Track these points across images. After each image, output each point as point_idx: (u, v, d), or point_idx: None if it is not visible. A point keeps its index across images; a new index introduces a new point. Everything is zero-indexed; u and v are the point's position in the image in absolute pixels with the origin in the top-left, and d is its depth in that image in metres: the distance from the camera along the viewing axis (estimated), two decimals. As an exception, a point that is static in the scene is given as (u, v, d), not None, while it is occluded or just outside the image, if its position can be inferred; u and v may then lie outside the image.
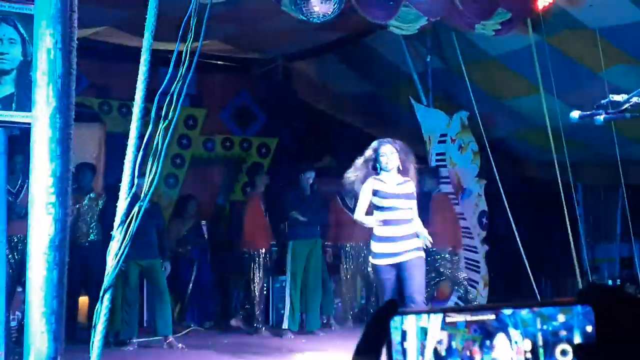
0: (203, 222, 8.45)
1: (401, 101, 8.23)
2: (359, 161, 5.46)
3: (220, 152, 9.75)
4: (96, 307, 2.21)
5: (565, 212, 6.81)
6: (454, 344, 0.83)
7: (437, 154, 7.99)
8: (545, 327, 0.82)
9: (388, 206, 5.27)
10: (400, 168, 5.38)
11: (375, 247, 5.31)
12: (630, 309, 0.83)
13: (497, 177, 7.36)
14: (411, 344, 0.83)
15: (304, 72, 9.61)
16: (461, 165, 7.91)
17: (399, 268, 5.22)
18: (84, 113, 8.30)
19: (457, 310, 0.86)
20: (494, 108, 8.11)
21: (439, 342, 0.83)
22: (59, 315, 1.97)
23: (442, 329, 0.83)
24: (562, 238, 7.13)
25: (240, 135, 9.90)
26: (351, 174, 5.48)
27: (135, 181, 2.25)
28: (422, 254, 5.36)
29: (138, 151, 2.29)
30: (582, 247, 7.65)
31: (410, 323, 0.84)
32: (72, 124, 2.13)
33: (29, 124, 2.11)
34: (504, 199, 7.18)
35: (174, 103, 2.21)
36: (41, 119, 2.05)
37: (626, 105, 3.26)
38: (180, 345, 6.79)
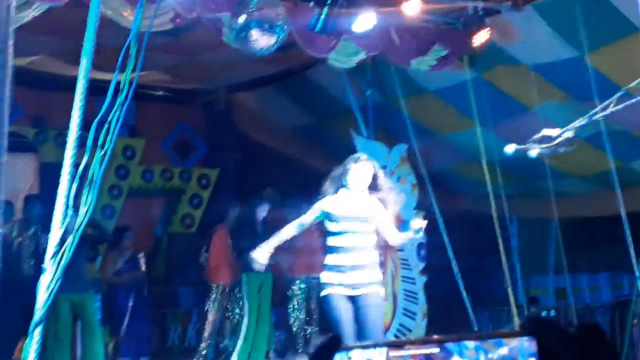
0: (140, 255, 8.28)
1: (341, 133, 8.30)
2: (327, 180, 4.96)
3: (159, 182, 9.62)
4: (25, 343, 2.13)
5: (500, 245, 6.95)
6: None
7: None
8: (490, 357, 0.83)
9: (338, 231, 4.72)
10: (366, 191, 4.82)
11: (324, 276, 4.77)
12: (570, 340, 0.85)
13: (436, 209, 7.48)
14: None
15: (245, 104, 9.61)
16: (398, 198, 7.99)
17: (353, 303, 4.66)
18: (17, 143, 8.10)
19: (402, 343, 0.86)
20: (432, 141, 8.25)
21: None
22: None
23: None
24: (498, 270, 7.26)
25: (180, 166, 9.80)
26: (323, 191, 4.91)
27: (69, 212, 2.19)
28: (380, 290, 4.78)
29: (72, 181, 2.24)
30: (517, 278, 7.81)
31: (356, 358, 0.84)
32: (3, 154, 2.06)
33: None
34: (443, 231, 7.29)
35: (111, 132, 2.17)
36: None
37: (558, 140, 3.36)
38: None
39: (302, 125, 9.34)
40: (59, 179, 7.58)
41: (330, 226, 4.77)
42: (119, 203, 9.18)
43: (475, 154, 7.32)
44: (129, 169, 9.25)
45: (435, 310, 7.97)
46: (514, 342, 0.87)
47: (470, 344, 0.87)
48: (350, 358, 0.87)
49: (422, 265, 7.89)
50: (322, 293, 4.80)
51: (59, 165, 7.74)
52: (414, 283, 7.90)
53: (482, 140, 7.23)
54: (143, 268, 8.14)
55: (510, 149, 3.53)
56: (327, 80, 8.04)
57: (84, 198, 2.19)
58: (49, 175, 8.25)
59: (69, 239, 2.14)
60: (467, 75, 7.01)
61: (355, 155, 5.00)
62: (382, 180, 4.93)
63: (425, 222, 4.77)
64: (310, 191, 8.51)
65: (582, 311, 8.41)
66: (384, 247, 7.92)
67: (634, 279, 6.50)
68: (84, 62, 2.25)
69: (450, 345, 0.87)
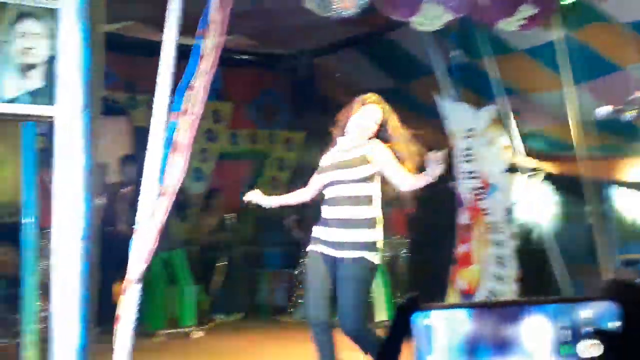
0: (229, 216, 8.52)
1: (425, 96, 8.19)
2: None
3: (246, 146, 9.81)
4: (120, 299, 2.25)
5: (593, 208, 6.75)
6: (482, 338, 0.84)
7: (464, 149, 7.94)
8: (573, 321, 0.83)
9: (326, 183, 4.18)
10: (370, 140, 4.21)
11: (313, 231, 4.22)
12: None
13: (528, 172, 7.32)
14: (439, 340, 0.83)
15: (328, 67, 9.61)
16: (489, 160, 7.85)
17: (334, 268, 3.98)
18: (111, 107, 8.42)
19: (485, 305, 0.87)
20: (522, 102, 8.04)
21: (467, 336, 0.84)
22: (88, 303, 2.01)
23: (471, 324, 0.83)
24: (590, 234, 7.06)
25: (266, 130, 9.95)
26: None
27: (159, 175, 2.28)
28: (365, 255, 3.89)
29: (163, 145, 2.32)
30: (614, 244, 7.57)
31: (436, 318, 0.84)
32: (97, 117, 2.17)
33: (54, 117, 2.14)
34: (533, 195, 7.14)
35: (197, 97, 2.23)
36: (66, 113, 2.09)
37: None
38: (200, 334, 6.85)
39: (385, 88, 9.26)
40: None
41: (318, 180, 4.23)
42: (207, 166, 9.44)
43: (566, 114, 7.09)
44: (217, 132, 9.48)
45: (526, 275, 7.84)
46: (598, 306, 0.87)
47: (554, 308, 0.88)
48: (429, 319, 0.88)
49: (513, 228, 7.75)
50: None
51: (149, 129, 8.01)
52: (503, 247, 7.78)
53: (574, 100, 7.00)
54: (231, 230, 8.39)
55: (602, 111, 3.40)
56: (411, 41, 7.93)
57: (174, 162, 2.27)
58: (141, 139, 8.61)
59: (160, 202, 2.22)
60: (558, 33, 6.77)
61: (363, 96, 4.35)
62: (396, 128, 4.37)
63: (442, 154, 3.95)
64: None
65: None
66: (472, 210, 7.85)
67: None
68: (171, 25, 2.31)
69: (532, 310, 0.88)
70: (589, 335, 0.85)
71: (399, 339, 0.87)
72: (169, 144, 2.31)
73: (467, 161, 7.92)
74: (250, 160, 9.71)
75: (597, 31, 6.82)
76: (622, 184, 9.25)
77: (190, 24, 2.89)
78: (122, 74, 8.73)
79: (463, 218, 7.99)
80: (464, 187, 7.60)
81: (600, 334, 0.84)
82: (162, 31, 7.02)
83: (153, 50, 7.65)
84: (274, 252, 9.14)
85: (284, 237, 8.66)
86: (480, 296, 7.85)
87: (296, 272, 8.16)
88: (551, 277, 7.26)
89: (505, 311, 0.87)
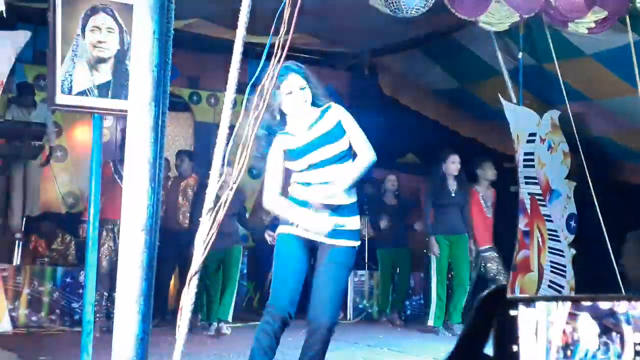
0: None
1: (489, 98, 8.06)
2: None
3: (305, 144, 9.85)
4: (183, 291, 2.28)
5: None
6: (576, 336, 0.84)
7: (526, 154, 7.78)
8: None
9: (303, 168, 3.61)
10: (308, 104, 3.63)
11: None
12: None
13: (589, 180, 7.13)
14: (540, 334, 0.82)
15: (390, 67, 9.56)
16: (550, 166, 7.68)
17: (313, 252, 3.63)
18: (174, 103, 8.58)
19: (575, 299, 0.85)
20: (587, 108, 7.85)
21: (564, 334, 0.83)
22: (147, 297, 2.04)
23: (567, 322, 0.84)
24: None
25: (325, 129, 9.97)
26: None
27: (225, 170, 2.30)
28: (347, 244, 3.54)
29: (227, 141, 2.34)
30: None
31: (539, 311, 0.83)
32: (165, 112, 2.20)
33: (125, 111, 2.18)
34: (595, 202, 6.94)
35: (264, 95, 2.24)
36: (137, 107, 2.12)
37: None
38: (225, 330, 6.90)
39: (448, 89, 9.18)
40: (211, 137, 7.96)
41: (290, 166, 3.72)
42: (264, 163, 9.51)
43: (635, 121, 6.89)
44: (275, 129, 9.54)
45: (583, 285, 7.65)
46: None
47: (636, 312, 0.87)
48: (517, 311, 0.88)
49: (571, 237, 7.58)
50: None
51: (211, 124, 8.08)
52: (562, 255, 7.62)
53: (643, 107, 6.79)
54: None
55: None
56: (475, 42, 7.82)
57: (237, 157, 2.29)
58: (203, 134, 8.73)
59: (224, 196, 2.24)
60: (629, 38, 6.57)
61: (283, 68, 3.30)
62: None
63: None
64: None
65: None
66: (530, 217, 7.70)
67: None
68: (241, 24, 2.33)
69: (619, 313, 0.88)
70: None
71: (483, 329, 0.85)
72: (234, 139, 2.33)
73: (528, 166, 7.77)
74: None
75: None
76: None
77: (255, 23, 2.91)
78: (185, 70, 8.88)
79: (523, 224, 7.85)
80: (525, 193, 7.46)
81: None
82: (225, 28, 7.09)
83: (216, 47, 7.86)
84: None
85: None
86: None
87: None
88: (611, 288, 7.03)
89: (591, 306, 0.86)
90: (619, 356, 0.86)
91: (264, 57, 2.30)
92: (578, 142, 7.24)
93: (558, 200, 7.55)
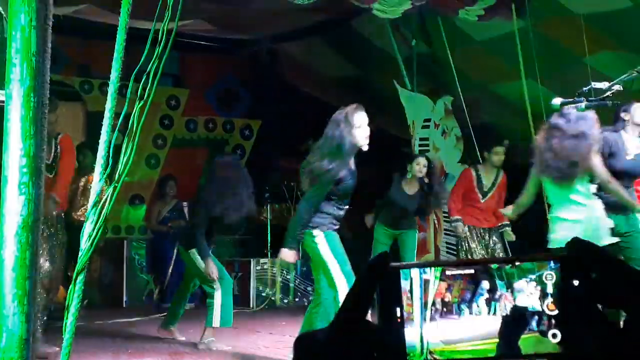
0: (184, 204, 8.40)
1: (386, 85, 8.20)
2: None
3: (203, 133, 9.70)
4: (69, 289, 2.18)
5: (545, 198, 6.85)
6: (449, 294, 0.93)
7: (421, 139, 7.99)
8: (527, 279, 0.92)
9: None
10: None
11: None
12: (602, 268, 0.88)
13: (481, 162, 7.38)
14: (415, 295, 0.92)
15: (290, 55, 9.55)
16: (444, 151, 7.92)
17: None
18: (65, 92, 8.22)
19: (451, 264, 0.96)
20: (479, 93, 8.11)
21: (440, 292, 0.93)
22: (31, 296, 1.95)
23: (442, 280, 0.93)
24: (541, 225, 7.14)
25: (224, 117, 9.85)
26: None
27: (110, 162, 2.21)
28: None
29: (112, 131, 2.25)
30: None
31: (413, 275, 0.93)
32: (46, 102, 2.09)
33: (3, 102, 2.07)
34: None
35: (149, 83, 2.17)
36: (15, 97, 2.01)
37: (608, 93, 3.26)
38: None
39: (347, 76, 9.27)
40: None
41: None
42: (163, 153, 9.30)
43: (523, 106, 7.18)
44: (173, 118, 9.34)
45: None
46: (546, 266, 0.95)
47: (508, 268, 0.94)
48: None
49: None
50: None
51: (103, 114, 7.82)
52: (455, 236, 7.87)
53: (530, 92, 7.08)
54: (187, 217, 8.26)
55: (557, 101, 3.43)
56: (372, 30, 7.93)
57: (123, 148, 2.21)
58: (96, 124, 8.45)
59: (110, 190, 2.16)
60: (515, 25, 6.83)
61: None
62: None
63: None
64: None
65: None
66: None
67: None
68: (124, 9, 2.24)
69: (492, 270, 0.94)
70: (550, 294, 0.92)
71: (368, 292, 0.90)
72: (119, 130, 2.25)
73: (424, 151, 7.98)
74: (206, 148, 9.61)
75: (554, 23, 6.90)
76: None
77: (147, 6, 2.82)
78: (75, 57, 8.53)
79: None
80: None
81: (561, 292, 0.90)
82: (115, 14, 6.86)
83: (106, 33, 7.59)
84: (228, 240, 9.05)
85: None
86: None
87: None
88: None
89: (473, 269, 0.93)
90: (493, 308, 0.92)
91: (148, 44, 2.22)
92: (470, 127, 7.49)
93: (452, 183, 7.79)
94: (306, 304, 8.30)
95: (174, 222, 8.09)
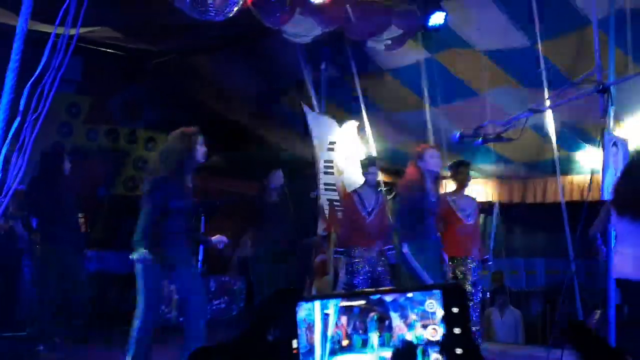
0: (80, 215, 8.10)
1: (293, 105, 8.26)
2: None
3: (104, 143, 9.42)
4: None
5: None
6: (350, 327, 0.98)
7: (325, 161, 8.06)
8: (416, 310, 0.98)
9: None
10: None
11: None
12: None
13: (383, 188, 7.54)
14: (317, 328, 0.96)
15: (197, 68, 9.45)
16: (347, 174, 8.02)
17: None
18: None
19: (348, 295, 1.02)
20: (383, 119, 8.28)
21: (339, 325, 0.98)
22: None
23: (342, 314, 0.97)
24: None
25: (128, 127, 9.61)
26: None
27: (-1, 175, 2.11)
28: None
29: (3, 144, 2.15)
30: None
31: (316, 309, 0.98)
32: None
33: None
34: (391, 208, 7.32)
35: (45, 93, 2.08)
36: None
37: (504, 130, 3.41)
38: None
39: (255, 94, 9.26)
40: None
41: None
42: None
43: (423, 133, 7.39)
44: (72, 126, 9.02)
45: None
46: (434, 296, 1.00)
47: (402, 300, 1.01)
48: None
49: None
50: None
51: None
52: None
53: (431, 120, 7.31)
54: (83, 229, 7.97)
55: (456, 135, 3.55)
56: (283, 50, 7.96)
57: (13, 161, 2.11)
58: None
59: (-4, 203, 2.06)
60: (421, 55, 7.05)
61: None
62: None
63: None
64: (255, 160, 8.51)
65: (517, 295, 8.64)
66: (328, 222, 7.98)
67: (568, 264, 6.64)
68: (22, 17, 2.15)
69: (387, 302, 1.01)
70: (429, 319, 0.99)
71: (266, 322, 0.94)
72: (11, 142, 2.14)
73: (328, 173, 8.05)
74: (107, 158, 9.33)
75: (457, 56, 7.17)
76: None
77: (45, 10, 2.72)
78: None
79: (321, 229, 8.10)
80: (324, 199, 7.72)
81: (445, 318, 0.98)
82: (11, 12, 6.56)
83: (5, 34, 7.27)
84: (126, 254, 8.77)
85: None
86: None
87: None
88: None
89: (368, 300, 1.00)
90: (387, 339, 0.99)
91: (47, 50, 2.13)
92: (374, 152, 7.63)
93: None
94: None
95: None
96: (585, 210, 4.30)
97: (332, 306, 0.98)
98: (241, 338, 0.93)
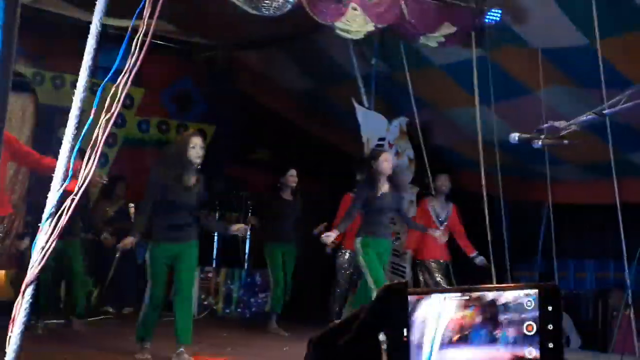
0: (131, 205, 8.24)
1: (343, 101, 8.23)
2: None
3: (155, 134, 9.55)
4: (16, 301, 2.10)
5: (488, 224, 6.97)
6: (464, 325, 1.02)
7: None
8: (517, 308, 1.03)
9: None
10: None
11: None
12: None
13: (432, 186, 7.49)
14: (430, 325, 1.01)
15: (248, 63, 9.51)
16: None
17: None
18: (15, 81, 7.97)
19: (462, 290, 1.05)
20: (433, 116, 8.21)
21: (453, 323, 1.02)
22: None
23: (456, 311, 1.02)
24: (486, 249, 7.26)
25: (178, 120, 9.72)
26: None
27: (69, 173, 2.15)
28: None
29: (75, 142, 2.19)
30: (506, 260, 7.83)
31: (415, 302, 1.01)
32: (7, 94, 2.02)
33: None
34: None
35: (118, 95, 2.12)
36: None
37: (564, 132, 3.33)
38: (82, 327, 6.59)
39: (304, 89, 9.27)
40: (52, 120, 7.39)
41: None
42: (112, 151, 9.12)
43: (474, 132, 7.29)
44: (125, 117, 9.17)
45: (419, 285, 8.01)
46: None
47: (512, 304, 1.07)
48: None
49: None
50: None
51: (54, 107, 7.52)
52: (398, 255, 7.93)
53: (482, 119, 7.21)
54: (132, 219, 8.11)
55: (514, 137, 3.48)
56: (333, 46, 7.95)
57: (85, 160, 2.14)
58: (44, 117, 8.21)
59: (67, 202, 2.09)
60: (474, 53, 6.95)
61: None
62: None
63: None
64: (303, 155, 8.52)
65: (565, 297, 8.49)
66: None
67: (621, 267, 6.52)
68: (97, 15, 2.17)
69: (499, 304, 1.07)
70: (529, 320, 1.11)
71: (381, 317, 1.01)
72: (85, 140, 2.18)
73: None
74: (158, 150, 9.45)
75: (511, 54, 7.05)
76: (519, 202, 9.61)
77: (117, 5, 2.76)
78: (29, 48, 8.30)
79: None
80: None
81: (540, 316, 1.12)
82: (74, 6, 6.66)
83: (65, 26, 7.40)
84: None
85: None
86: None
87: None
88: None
89: (481, 299, 1.05)
90: (498, 339, 1.04)
91: (120, 54, 2.15)
92: (423, 150, 7.57)
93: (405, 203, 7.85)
94: (248, 315, 8.26)
95: (120, 223, 7.94)
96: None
97: (444, 300, 1.04)
98: (354, 338, 1.01)
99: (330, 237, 6.14)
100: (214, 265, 8.47)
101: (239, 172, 9.30)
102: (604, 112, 3.31)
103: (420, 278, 7.43)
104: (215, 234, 8.70)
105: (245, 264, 8.56)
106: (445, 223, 7.10)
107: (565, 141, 3.34)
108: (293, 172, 7.32)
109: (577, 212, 8.77)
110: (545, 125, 3.43)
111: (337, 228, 6.21)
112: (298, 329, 6.69)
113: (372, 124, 7.87)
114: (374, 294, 4.96)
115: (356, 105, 7.91)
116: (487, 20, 6.42)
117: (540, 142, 3.38)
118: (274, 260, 7.22)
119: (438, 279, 7.28)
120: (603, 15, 5.91)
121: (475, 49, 6.96)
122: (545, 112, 6.42)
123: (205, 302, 8.24)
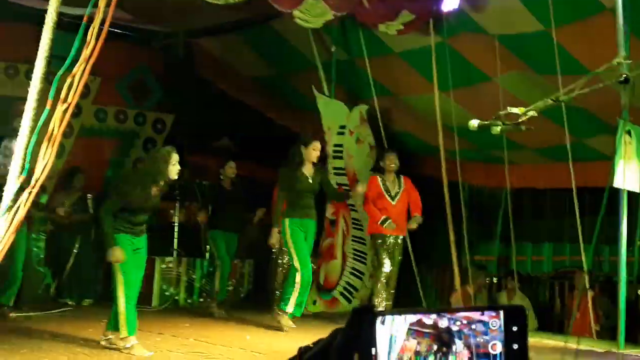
0: (89, 196, 8.11)
1: (303, 89, 8.22)
2: None
3: (113, 124, 9.40)
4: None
5: (448, 209, 7.06)
6: (418, 348, 1.05)
7: (335, 145, 8.04)
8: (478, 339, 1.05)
9: None
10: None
11: None
12: None
13: (380, 164, 7.51)
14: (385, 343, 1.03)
15: (206, 50, 9.41)
16: (357, 158, 8.00)
17: None
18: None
19: (420, 312, 1.08)
20: (393, 103, 8.24)
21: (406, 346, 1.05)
22: None
23: (411, 336, 1.03)
24: (446, 234, 7.33)
25: (136, 109, 9.59)
26: None
27: (26, 166, 2.10)
28: None
29: (31, 134, 2.14)
30: (465, 244, 7.92)
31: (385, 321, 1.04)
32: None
33: None
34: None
35: (75, 86, 2.07)
36: None
37: (522, 118, 3.38)
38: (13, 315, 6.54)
39: (264, 77, 9.22)
40: (9, 111, 7.22)
41: None
42: (68, 142, 8.95)
43: (433, 118, 7.35)
44: (81, 107, 8.98)
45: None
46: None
47: (467, 330, 1.08)
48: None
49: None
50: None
51: (8, 98, 7.29)
52: (364, 243, 7.98)
53: (441, 105, 7.27)
54: (91, 210, 7.99)
55: (474, 123, 3.52)
56: (293, 33, 7.91)
57: (42, 152, 2.10)
58: (0, 107, 8.00)
59: (24, 195, 2.05)
60: (432, 40, 6.99)
61: None
62: None
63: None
64: (266, 143, 8.49)
65: (523, 280, 8.65)
66: (336, 206, 7.99)
67: (577, 251, 6.65)
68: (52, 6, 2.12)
69: (454, 331, 1.09)
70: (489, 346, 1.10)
71: (351, 336, 1.06)
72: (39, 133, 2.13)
73: (337, 157, 8.04)
74: (116, 139, 9.32)
75: (469, 41, 7.10)
76: (478, 187, 9.74)
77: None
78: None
79: (330, 212, 8.11)
80: (334, 183, 7.70)
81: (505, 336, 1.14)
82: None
83: (17, 14, 7.20)
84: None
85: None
86: (338, 290, 8.03)
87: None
88: (409, 271, 7.48)
89: (431, 325, 1.06)
90: None
91: (79, 34, 2.10)
92: (383, 136, 7.60)
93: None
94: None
95: (78, 215, 7.82)
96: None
97: (403, 325, 1.07)
98: (334, 350, 1.06)
99: (275, 243, 6.56)
100: (174, 255, 8.39)
101: (199, 160, 9.22)
102: (560, 98, 3.36)
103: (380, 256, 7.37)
104: (176, 223, 8.64)
105: (207, 254, 8.51)
106: (397, 198, 7.05)
107: (523, 127, 3.40)
108: (232, 163, 7.47)
109: (535, 196, 8.93)
110: (504, 112, 3.48)
111: (274, 225, 6.41)
112: (257, 318, 6.71)
113: (332, 112, 7.88)
114: (298, 275, 5.09)
115: (317, 94, 7.90)
116: (444, 8, 6.46)
117: (498, 129, 3.43)
118: (218, 247, 7.43)
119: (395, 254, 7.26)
120: (559, 2, 5.98)
121: (434, 36, 7.01)
122: (503, 99, 6.50)
123: (167, 293, 8.17)
